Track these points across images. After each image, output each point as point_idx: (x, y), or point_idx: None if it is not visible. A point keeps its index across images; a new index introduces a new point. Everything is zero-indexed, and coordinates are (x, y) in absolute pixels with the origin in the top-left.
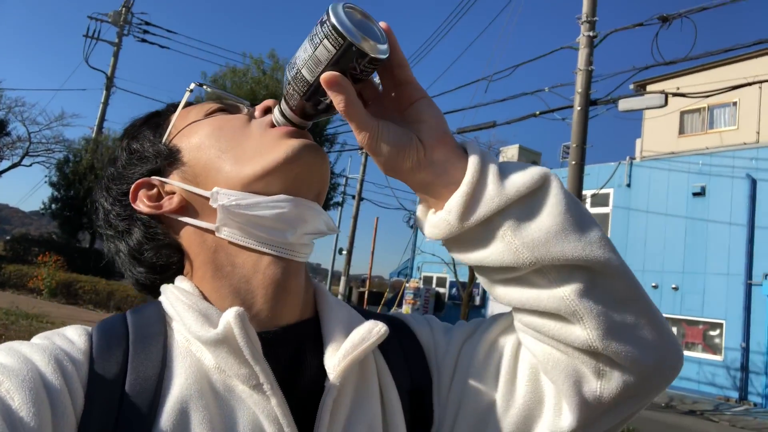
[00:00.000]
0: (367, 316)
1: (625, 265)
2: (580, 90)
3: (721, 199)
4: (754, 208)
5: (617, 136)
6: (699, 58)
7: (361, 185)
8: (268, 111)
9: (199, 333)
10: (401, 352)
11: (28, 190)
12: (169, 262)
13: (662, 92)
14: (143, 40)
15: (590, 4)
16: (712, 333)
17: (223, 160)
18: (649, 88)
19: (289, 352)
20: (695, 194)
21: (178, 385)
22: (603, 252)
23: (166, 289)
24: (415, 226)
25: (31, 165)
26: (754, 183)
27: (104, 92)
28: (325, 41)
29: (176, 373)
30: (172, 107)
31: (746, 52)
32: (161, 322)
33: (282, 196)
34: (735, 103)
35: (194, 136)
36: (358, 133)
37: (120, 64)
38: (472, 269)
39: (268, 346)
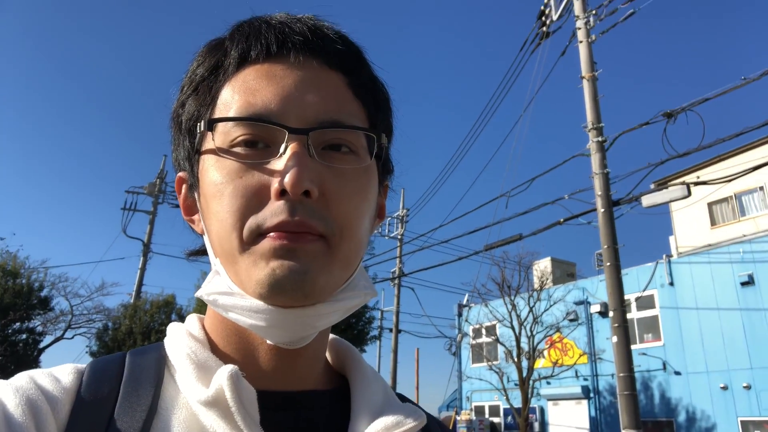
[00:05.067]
0: (404, 400)
1: None
2: (600, 192)
3: None
4: None
5: (648, 235)
6: (712, 146)
7: (397, 317)
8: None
9: (191, 390)
10: None
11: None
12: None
13: (683, 183)
14: (176, 206)
15: (594, 112)
16: None
17: (214, 240)
18: (670, 184)
19: (294, 418)
20: (744, 284)
21: None
22: None
23: (172, 330)
24: (457, 353)
25: (73, 337)
26: None
27: (141, 259)
28: None
29: (169, 425)
30: (234, 40)
31: (763, 136)
32: (159, 366)
33: (260, 305)
34: (762, 188)
35: (208, 174)
36: None
37: (155, 229)
38: (525, 391)
39: (271, 409)
